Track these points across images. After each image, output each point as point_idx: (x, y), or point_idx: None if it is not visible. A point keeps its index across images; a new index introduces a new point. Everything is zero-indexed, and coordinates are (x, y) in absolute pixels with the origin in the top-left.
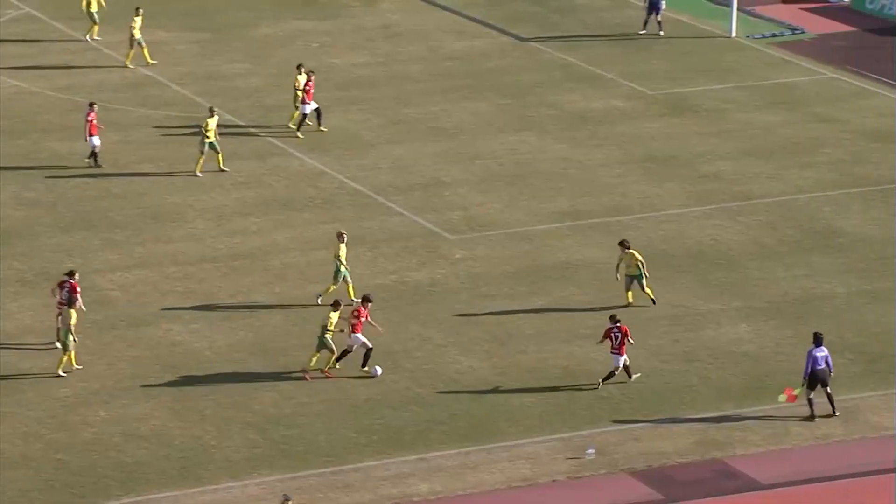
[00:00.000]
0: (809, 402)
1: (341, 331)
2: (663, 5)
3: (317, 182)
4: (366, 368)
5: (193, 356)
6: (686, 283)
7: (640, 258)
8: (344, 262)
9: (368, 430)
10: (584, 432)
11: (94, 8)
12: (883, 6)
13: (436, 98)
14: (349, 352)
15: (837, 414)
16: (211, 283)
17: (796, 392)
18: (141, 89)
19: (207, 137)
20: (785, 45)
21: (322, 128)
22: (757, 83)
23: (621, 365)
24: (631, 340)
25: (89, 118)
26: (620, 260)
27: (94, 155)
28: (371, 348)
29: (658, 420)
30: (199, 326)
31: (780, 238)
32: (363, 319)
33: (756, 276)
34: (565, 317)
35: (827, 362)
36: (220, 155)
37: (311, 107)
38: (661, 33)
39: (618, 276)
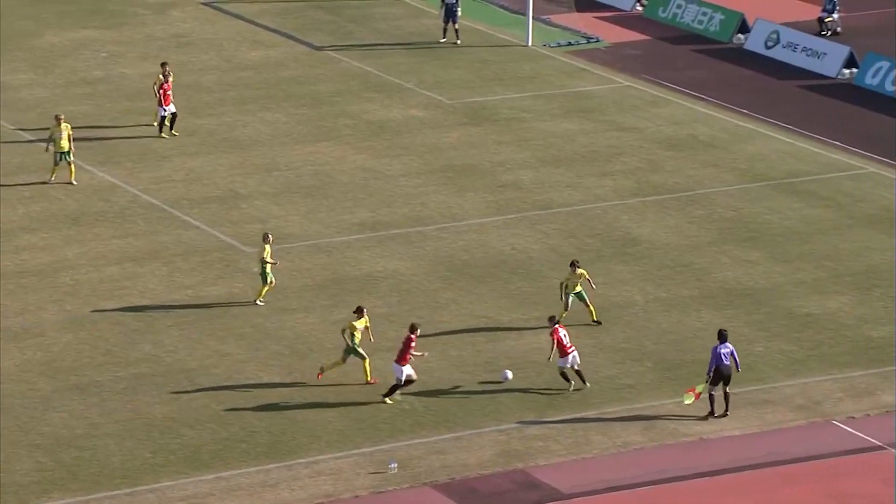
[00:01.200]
0: (710, 398)
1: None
2: (459, 12)
3: (108, 196)
4: (395, 396)
5: None
6: (487, 292)
7: (587, 276)
8: (270, 263)
9: (165, 449)
10: (386, 446)
11: None
12: (675, 15)
13: (230, 108)
14: (399, 385)
15: (728, 414)
16: None
17: (699, 389)
18: None
19: (59, 147)
20: (581, 54)
21: (174, 132)
22: (554, 92)
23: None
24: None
25: None
26: (567, 280)
27: None
28: (414, 380)
29: (460, 432)
30: None
31: (580, 246)
32: (412, 350)
33: (556, 285)
34: None
35: (733, 358)
36: (71, 166)
37: (170, 109)
38: (459, 42)
39: (563, 296)
